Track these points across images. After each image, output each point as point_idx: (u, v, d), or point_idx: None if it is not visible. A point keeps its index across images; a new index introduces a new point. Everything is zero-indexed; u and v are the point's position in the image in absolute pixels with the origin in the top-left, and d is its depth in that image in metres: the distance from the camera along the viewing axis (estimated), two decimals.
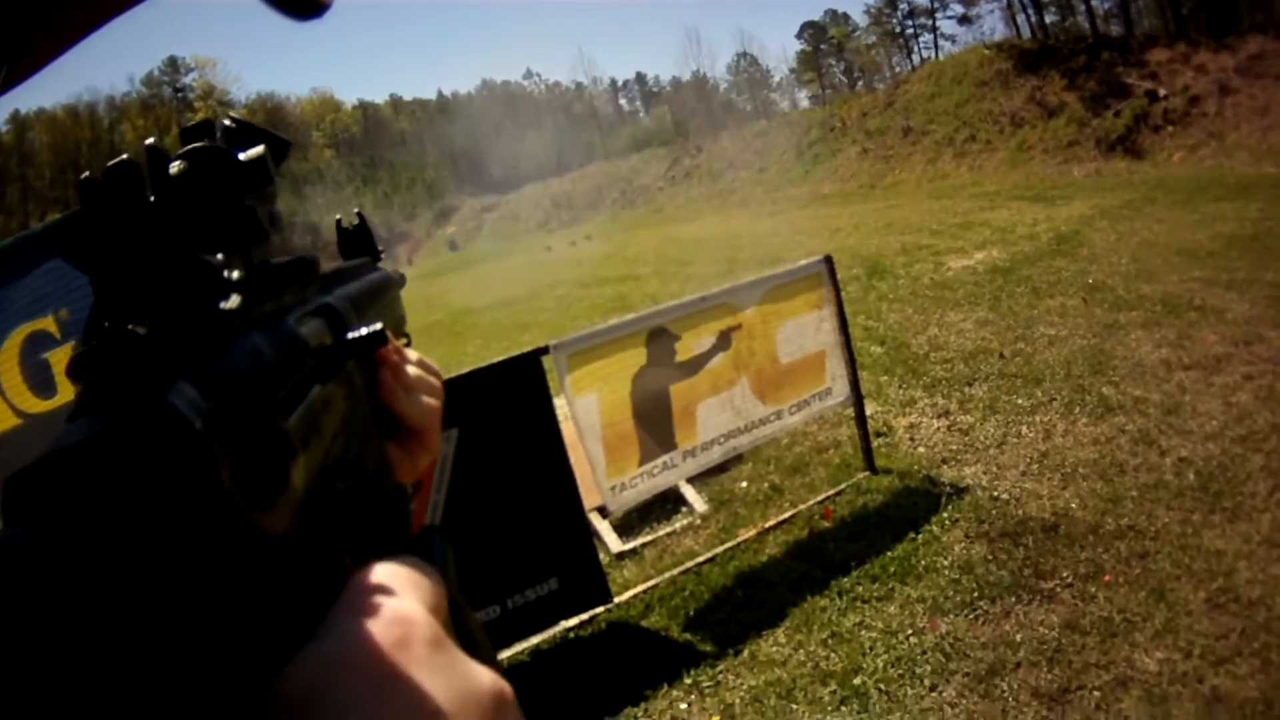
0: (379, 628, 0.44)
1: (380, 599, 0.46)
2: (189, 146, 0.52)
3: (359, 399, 0.68)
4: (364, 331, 0.66)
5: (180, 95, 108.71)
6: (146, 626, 0.35)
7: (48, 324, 3.02)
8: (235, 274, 0.49)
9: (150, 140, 0.49)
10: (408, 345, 0.93)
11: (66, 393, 3.07)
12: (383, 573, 0.49)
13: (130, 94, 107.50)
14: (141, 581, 0.35)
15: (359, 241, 1.00)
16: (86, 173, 0.45)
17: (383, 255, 1.04)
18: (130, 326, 0.41)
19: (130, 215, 0.44)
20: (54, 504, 0.34)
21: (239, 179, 0.53)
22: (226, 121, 0.59)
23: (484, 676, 0.46)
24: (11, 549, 0.33)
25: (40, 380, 3.07)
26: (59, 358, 3.01)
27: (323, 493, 0.51)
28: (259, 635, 0.40)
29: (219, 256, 0.49)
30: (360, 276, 0.87)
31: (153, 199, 0.46)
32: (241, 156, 0.54)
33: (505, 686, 0.48)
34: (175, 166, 0.48)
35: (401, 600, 0.47)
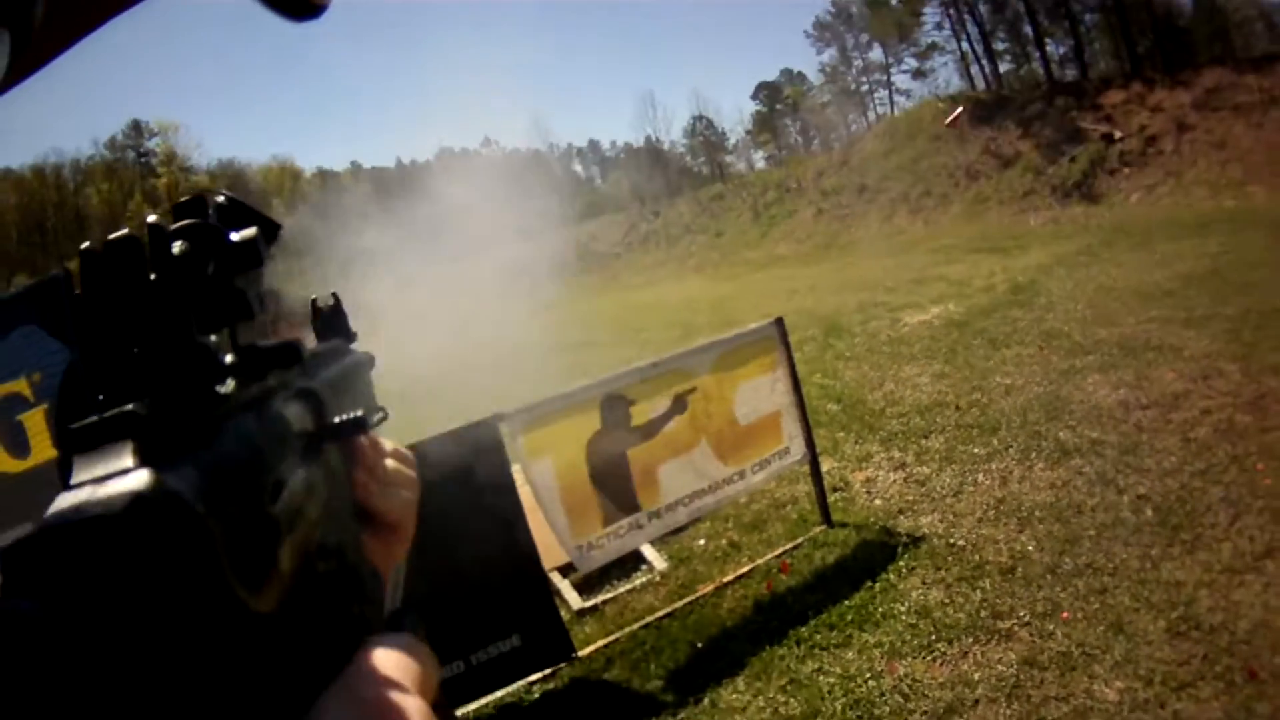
0: (359, 713, 0.46)
1: (373, 687, 0.48)
2: (184, 223, 0.52)
3: (338, 483, 0.68)
4: (346, 417, 0.66)
5: (143, 160, 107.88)
6: (151, 701, 0.35)
7: (21, 386, 3.06)
8: (228, 357, 0.51)
9: (152, 217, 0.51)
10: (384, 419, 0.93)
11: (41, 453, 3.10)
12: (376, 658, 0.51)
13: (94, 157, 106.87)
14: (145, 657, 0.35)
15: (334, 323, 0.99)
16: (87, 243, 0.47)
17: (355, 337, 1.01)
18: (130, 406, 0.42)
19: (132, 293, 0.46)
20: (61, 578, 0.35)
21: (231, 259, 0.53)
22: (219, 199, 0.59)
23: None
24: (22, 620, 0.34)
25: (15, 441, 3.11)
26: (33, 419, 3.05)
27: (306, 575, 0.51)
28: (249, 715, 0.40)
29: (212, 338, 0.50)
30: (337, 359, 0.86)
31: (153, 277, 0.48)
32: (234, 237, 0.55)
33: None
34: (178, 247, 0.50)
35: (393, 690, 0.48)
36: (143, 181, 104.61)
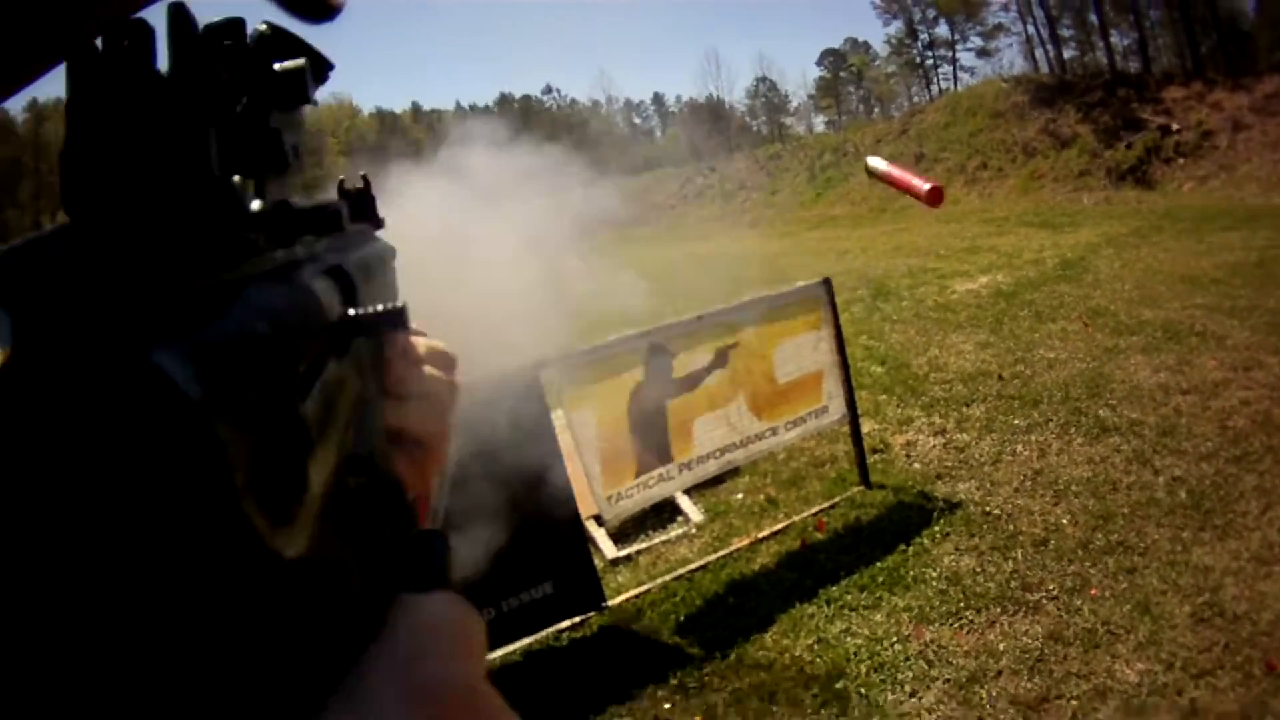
0: (415, 702, 0.38)
1: (418, 663, 0.40)
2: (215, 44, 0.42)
3: (367, 380, 0.56)
4: (388, 306, 0.53)
5: None
6: (142, 670, 0.27)
7: None
8: (254, 204, 0.40)
9: None
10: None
11: None
12: (420, 625, 0.42)
13: None
14: (130, 612, 0.27)
15: (361, 206, 0.78)
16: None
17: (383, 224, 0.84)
18: (111, 246, 0.32)
19: (134, 89, 0.35)
20: None
21: (270, 91, 0.44)
22: (261, 26, 0.47)
23: None
24: None
25: None
26: None
27: (338, 495, 0.41)
28: (274, 684, 0.32)
29: (235, 179, 0.38)
30: (365, 243, 0.73)
31: (166, 74, 0.37)
32: (277, 67, 0.46)
33: None
34: (201, 43, 0.39)
35: (440, 662, 0.41)
36: None
